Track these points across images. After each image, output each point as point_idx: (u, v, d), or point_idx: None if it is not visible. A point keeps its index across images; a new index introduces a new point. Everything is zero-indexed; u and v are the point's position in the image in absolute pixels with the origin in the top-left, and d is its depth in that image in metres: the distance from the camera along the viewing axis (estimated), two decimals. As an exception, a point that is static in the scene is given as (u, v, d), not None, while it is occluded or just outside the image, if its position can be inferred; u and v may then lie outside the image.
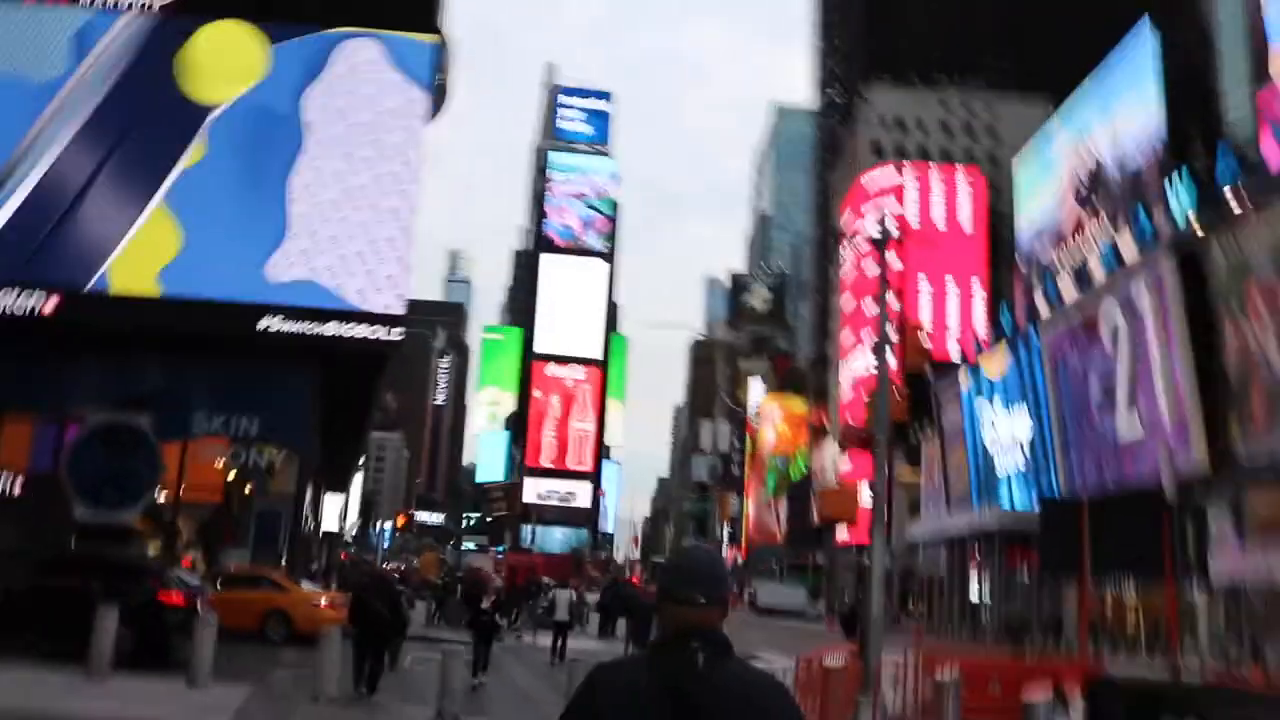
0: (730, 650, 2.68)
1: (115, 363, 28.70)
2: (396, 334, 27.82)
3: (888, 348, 12.81)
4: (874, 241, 12.56)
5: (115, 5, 30.29)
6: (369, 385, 33.96)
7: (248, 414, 28.61)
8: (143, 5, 30.34)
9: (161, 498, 30.40)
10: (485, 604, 17.64)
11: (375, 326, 28.08)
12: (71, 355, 28.57)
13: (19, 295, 27.50)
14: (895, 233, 12.73)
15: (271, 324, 27.54)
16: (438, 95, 39.36)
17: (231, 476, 31.17)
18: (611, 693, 2.61)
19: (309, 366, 29.14)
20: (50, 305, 27.68)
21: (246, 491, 31.57)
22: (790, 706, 2.70)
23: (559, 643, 24.62)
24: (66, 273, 28.35)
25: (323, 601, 21.63)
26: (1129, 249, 43.61)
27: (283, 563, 29.11)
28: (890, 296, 14.18)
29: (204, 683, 12.91)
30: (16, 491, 27.97)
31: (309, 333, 27.50)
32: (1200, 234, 37.23)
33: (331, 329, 27.73)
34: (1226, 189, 35.72)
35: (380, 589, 15.16)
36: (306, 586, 24.29)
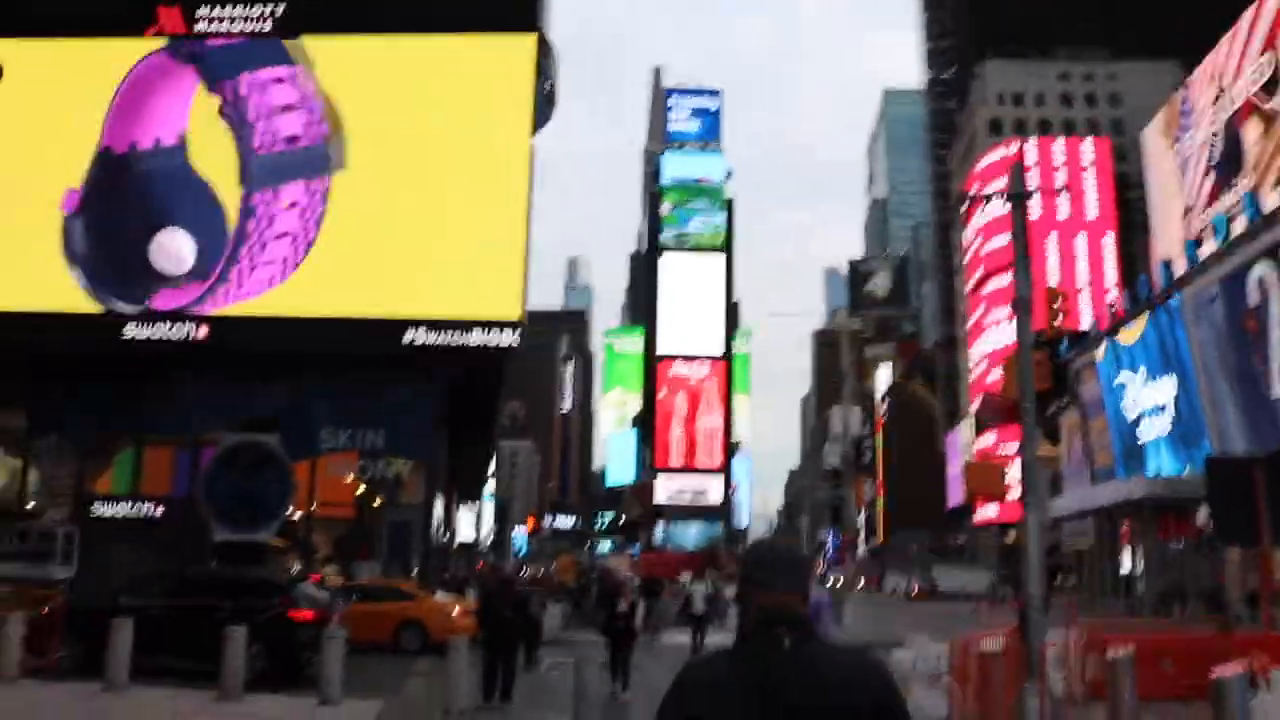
0: (815, 632, 2.68)
1: (243, 386, 29.24)
2: (514, 338, 27.63)
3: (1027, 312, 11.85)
4: (1010, 196, 11.63)
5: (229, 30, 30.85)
6: (492, 392, 33.94)
7: (373, 428, 28.85)
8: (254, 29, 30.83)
9: (296, 515, 30.82)
10: (622, 606, 15.94)
11: (494, 332, 27.94)
12: (201, 381, 29.18)
13: (172, 327, 28.40)
14: (1029, 187, 11.88)
15: (416, 336, 27.72)
16: (545, 101, 39.28)
17: (361, 490, 31.44)
18: (701, 687, 2.63)
19: (431, 377, 29.23)
20: (202, 332, 28.44)
21: (376, 504, 31.80)
22: (881, 681, 2.65)
23: (698, 638, 24.08)
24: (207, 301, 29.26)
25: (456, 610, 21.39)
26: (1272, 193, 41.28)
27: (413, 573, 29.18)
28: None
29: (335, 699, 12.65)
30: (157, 515, 28.59)
31: (452, 344, 27.72)
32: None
33: (470, 338, 27.83)
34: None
35: (504, 592, 14.78)
36: (440, 596, 24.19)
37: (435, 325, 27.90)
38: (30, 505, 30.72)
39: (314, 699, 12.85)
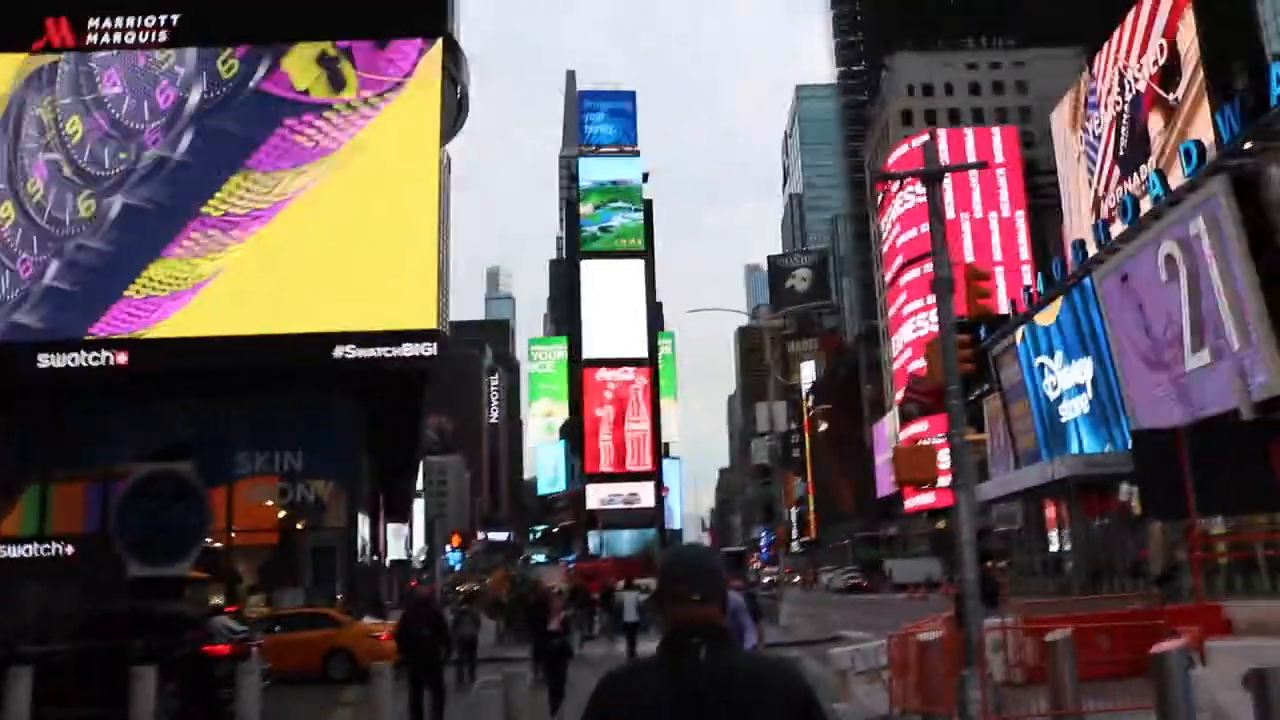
0: (732, 641, 2.70)
1: (153, 414, 28.25)
2: (432, 349, 27.03)
3: (946, 290, 11.65)
4: (924, 175, 11.44)
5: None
6: (413, 406, 33.23)
7: (291, 450, 28.03)
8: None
9: (218, 545, 29.86)
10: (553, 624, 14.54)
11: (410, 344, 27.30)
12: (105, 412, 28.12)
13: (90, 354, 27.16)
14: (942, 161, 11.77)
15: (346, 351, 26.87)
16: (457, 108, 38.64)
17: (282, 515, 30.55)
18: (620, 698, 2.65)
19: (349, 395, 28.51)
20: (122, 357, 27.28)
21: (299, 528, 30.93)
22: (797, 685, 2.66)
23: (633, 647, 23.72)
24: (124, 324, 28.00)
25: (384, 634, 20.77)
26: (1177, 179, 42.06)
27: (338, 598, 28.41)
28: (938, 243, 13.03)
29: (252, 736, 12.05)
30: (68, 553, 27.46)
31: (385, 356, 26.89)
32: (1254, 154, 35.88)
33: (400, 350, 27.07)
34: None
35: (422, 612, 14.25)
36: (368, 620, 23.49)
37: (364, 339, 27.13)
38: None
39: (231, 738, 12.24)
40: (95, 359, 27.30)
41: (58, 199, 29.06)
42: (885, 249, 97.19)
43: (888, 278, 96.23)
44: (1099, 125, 57.14)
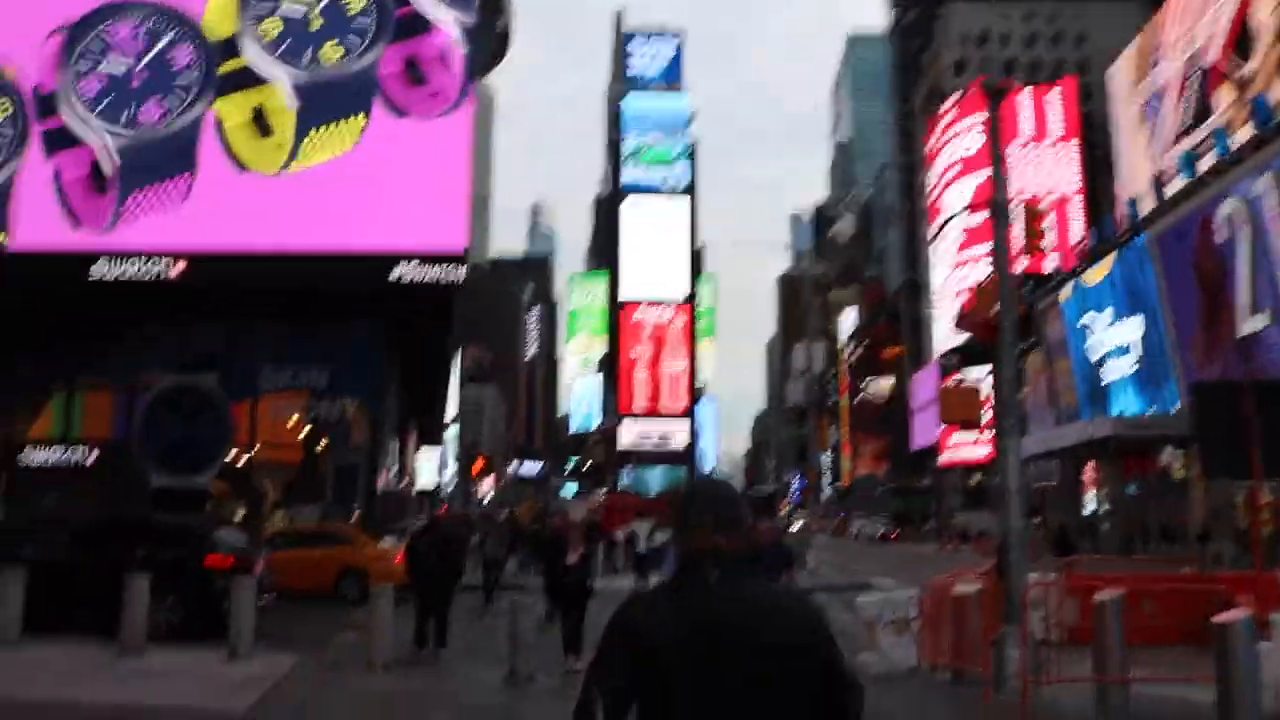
0: (746, 570, 2.72)
1: (181, 326, 27.83)
2: (458, 273, 26.33)
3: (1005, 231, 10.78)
4: (987, 91, 10.53)
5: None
6: (442, 330, 32.68)
7: (316, 367, 27.54)
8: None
9: (242, 459, 29.62)
10: (570, 558, 12.76)
11: (438, 266, 26.60)
12: (136, 323, 27.72)
13: (146, 262, 26.52)
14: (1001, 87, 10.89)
15: (405, 272, 26.09)
16: (499, 39, 37.67)
17: (306, 432, 30.18)
18: (633, 624, 2.68)
19: (375, 315, 27.94)
20: (177, 270, 26.64)
21: (320, 448, 30.56)
22: (808, 614, 2.69)
23: (645, 580, 23.24)
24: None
25: (398, 556, 20.33)
26: (1243, 137, 40.50)
27: (353, 517, 28.07)
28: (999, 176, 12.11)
29: (246, 653, 11.56)
30: (89, 462, 27.26)
31: (442, 279, 26.06)
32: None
33: (457, 273, 26.21)
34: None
35: (429, 535, 13.70)
36: (386, 542, 23.10)
37: (425, 259, 26.29)
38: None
39: (224, 653, 11.77)
40: (149, 270, 26.72)
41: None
42: (931, 200, 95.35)
43: (932, 230, 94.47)
44: (1161, 81, 55.13)
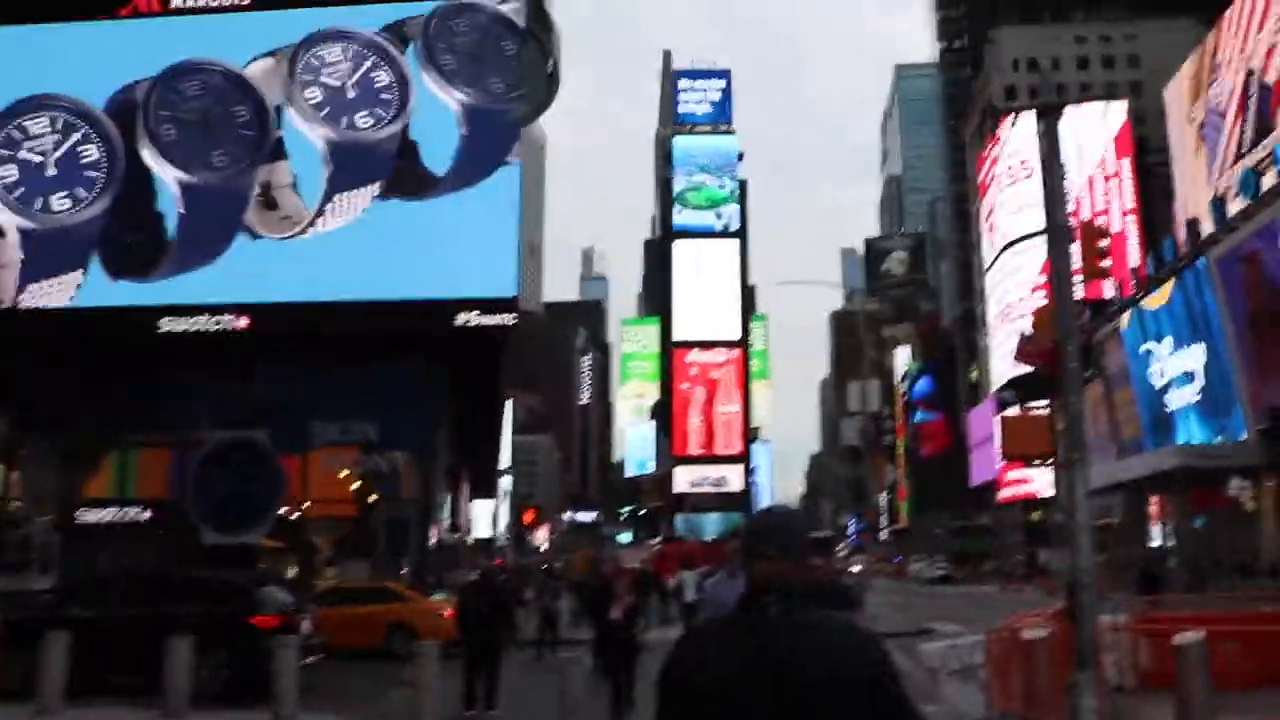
0: (808, 601, 2.63)
1: (234, 382, 27.94)
2: (509, 318, 26.26)
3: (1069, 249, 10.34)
4: (1042, 110, 10.15)
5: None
6: (493, 380, 32.56)
7: (366, 420, 27.48)
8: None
9: (294, 515, 29.59)
10: (615, 613, 11.55)
11: (489, 314, 26.60)
12: (189, 379, 27.88)
13: (210, 318, 27.08)
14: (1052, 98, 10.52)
15: (470, 318, 26.39)
16: (548, 81, 37.86)
17: (356, 486, 30.09)
18: (693, 656, 2.64)
19: (426, 364, 27.87)
20: (243, 322, 27.12)
21: (371, 500, 30.43)
22: (870, 647, 2.59)
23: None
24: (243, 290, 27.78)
25: (449, 611, 20.02)
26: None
27: (402, 572, 27.84)
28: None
29: (290, 715, 11.25)
30: (144, 519, 27.36)
31: (502, 324, 26.37)
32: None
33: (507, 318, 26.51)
34: None
35: (481, 588, 13.35)
36: (437, 597, 22.81)
37: (487, 307, 26.54)
38: (13, 510, 29.44)
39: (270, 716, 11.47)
40: (217, 323, 27.15)
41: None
42: (984, 229, 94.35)
43: (987, 259, 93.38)
44: (1221, 97, 54.12)
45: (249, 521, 25.47)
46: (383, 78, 28.51)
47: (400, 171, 27.88)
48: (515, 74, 28.57)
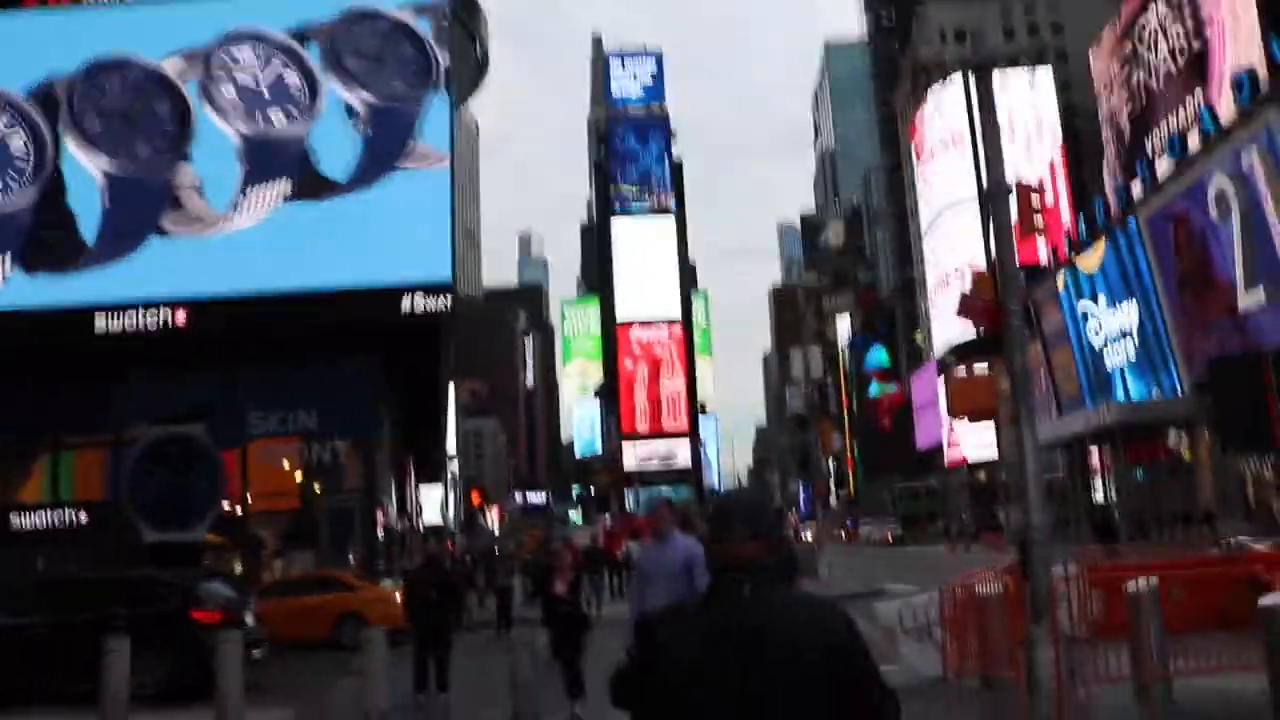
0: (777, 579, 2.69)
1: (167, 379, 27.31)
2: (446, 302, 25.90)
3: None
4: (975, 66, 10.05)
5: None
6: (434, 365, 32.15)
7: (305, 409, 26.99)
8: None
9: (238, 509, 29.03)
10: (558, 587, 11.28)
11: (428, 297, 26.22)
12: (120, 376, 27.21)
13: (145, 313, 26.30)
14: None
15: (415, 303, 25.99)
16: (476, 67, 37.33)
17: (300, 477, 29.54)
18: (664, 638, 2.66)
19: (363, 352, 27.40)
20: (181, 317, 26.39)
21: (317, 491, 29.91)
22: (839, 626, 2.62)
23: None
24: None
25: (399, 597, 19.70)
26: (1227, 110, 40.10)
27: (351, 561, 27.43)
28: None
29: (234, 712, 10.92)
30: (82, 521, 26.66)
31: (435, 310, 25.94)
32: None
33: (421, 303, 26.09)
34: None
35: (427, 572, 13.10)
36: (385, 585, 22.46)
37: (424, 292, 26.11)
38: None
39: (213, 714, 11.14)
40: (155, 321, 26.42)
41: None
42: (919, 195, 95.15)
43: (923, 224, 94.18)
44: (1145, 59, 54.77)
45: (189, 518, 24.91)
46: (293, 78, 28.26)
47: (309, 169, 27.55)
48: (416, 77, 28.36)
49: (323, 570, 24.45)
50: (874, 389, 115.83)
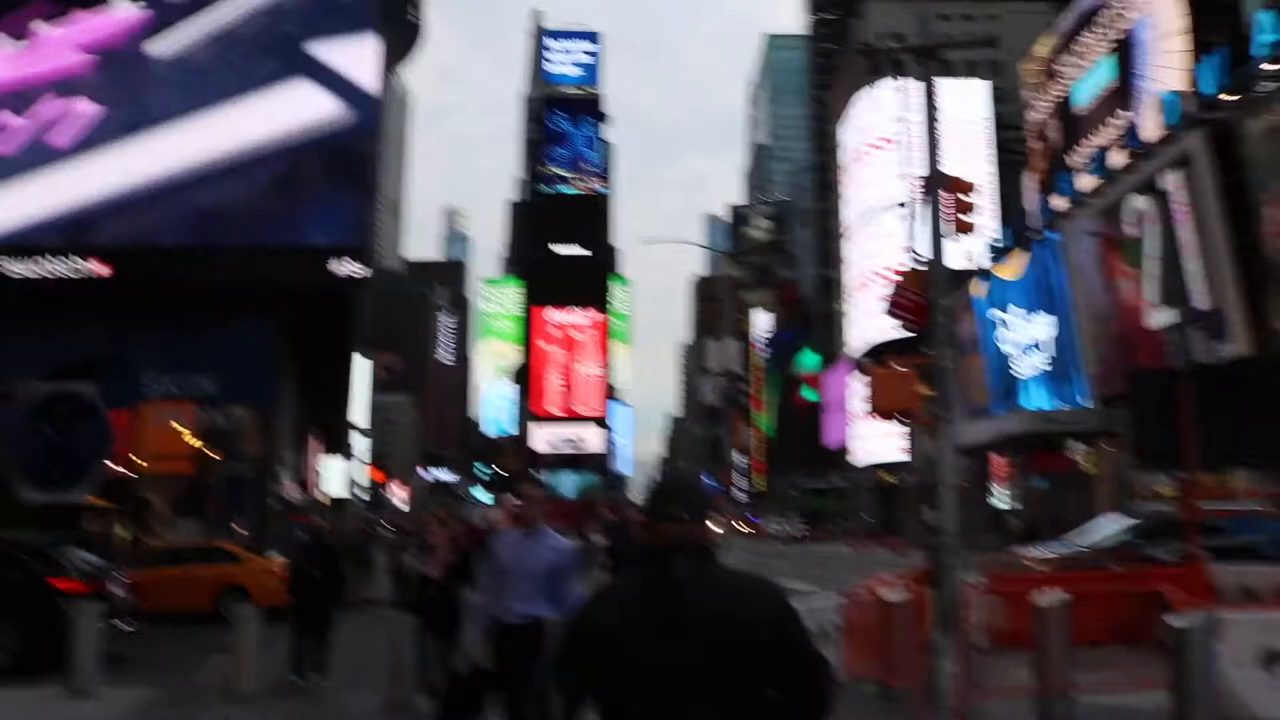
0: (712, 558, 2.74)
1: (57, 332, 26.08)
2: (360, 269, 25.09)
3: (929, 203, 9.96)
4: (917, 50, 9.73)
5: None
6: (343, 334, 31.25)
7: (203, 372, 25.96)
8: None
9: (128, 473, 27.83)
10: (432, 570, 9.81)
11: (339, 262, 25.39)
12: (6, 326, 25.91)
13: (71, 261, 24.99)
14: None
15: (342, 267, 25.00)
16: (411, 31, 36.41)
17: (194, 442, 28.42)
18: (600, 617, 2.71)
19: (269, 316, 26.46)
20: (105, 268, 25.12)
21: (213, 457, 28.82)
22: (774, 600, 2.70)
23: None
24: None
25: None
26: (1151, 130, 40.73)
27: (241, 532, 26.50)
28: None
29: (91, 689, 10.19)
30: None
31: (363, 275, 25.00)
32: (1233, 107, 34.43)
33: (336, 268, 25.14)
34: (1264, 57, 32.74)
35: (312, 549, 12.44)
36: (273, 557, 21.60)
37: (355, 253, 25.23)
38: None
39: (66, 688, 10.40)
40: (76, 270, 25.19)
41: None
42: (844, 197, 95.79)
43: (847, 224, 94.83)
44: (1071, 76, 55.54)
45: (73, 478, 23.72)
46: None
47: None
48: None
49: (208, 540, 23.46)
50: (808, 394, 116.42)
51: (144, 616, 14.84)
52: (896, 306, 9.39)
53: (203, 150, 26.57)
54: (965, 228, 10.43)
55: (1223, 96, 34.97)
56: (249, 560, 19.93)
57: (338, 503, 66.57)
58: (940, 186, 9.29)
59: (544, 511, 6.84)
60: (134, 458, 27.25)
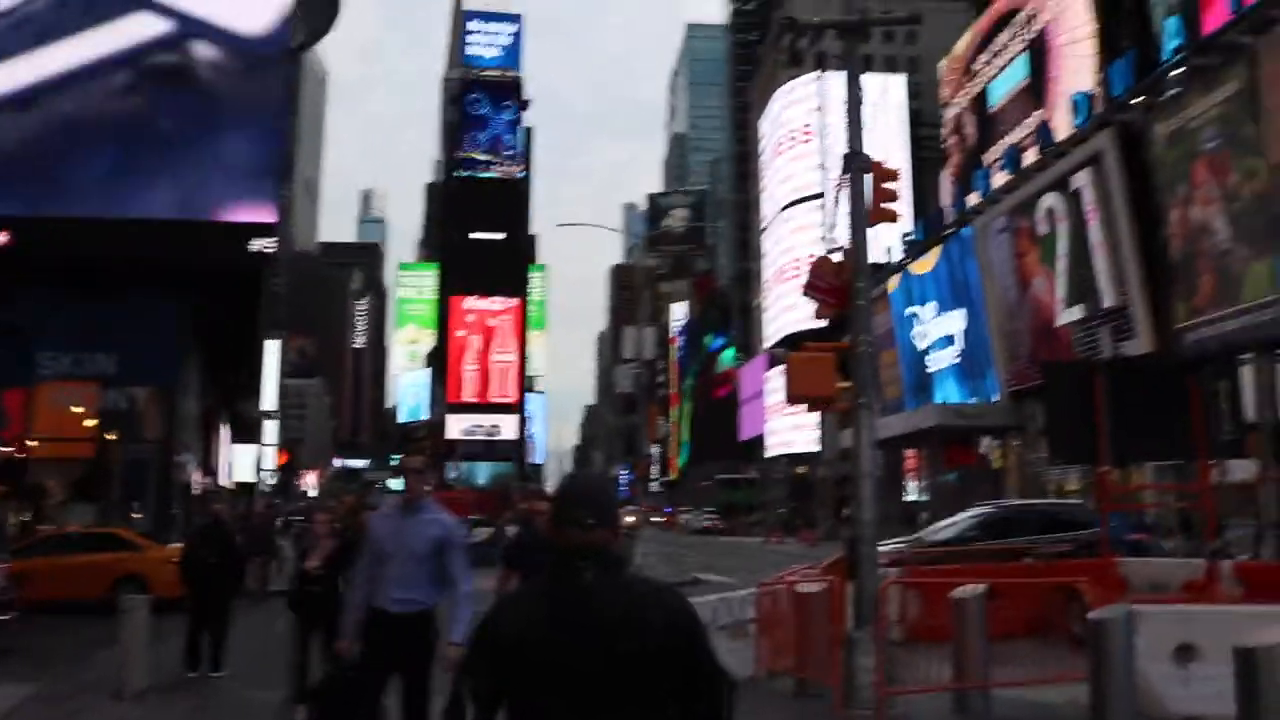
0: (622, 566, 2.76)
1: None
2: (269, 244, 24.34)
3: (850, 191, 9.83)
4: (845, 25, 9.57)
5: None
6: (251, 314, 30.39)
7: (103, 351, 25.00)
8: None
9: (20, 454, 26.77)
10: (312, 561, 9.29)
11: (248, 238, 24.62)
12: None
13: None
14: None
15: (262, 245, 24.07)
16: (328, 4, 35.57)
17: (93, 423, 27.36)
18: (512, 622, 2.68)
19: (171, 295, 25.54)
20: (3, 237, 23.86)
21: (112, 440, 27.78)
22: (679, 609, 2.72)
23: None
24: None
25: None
26: (1064, 130, 41.44)
27: (137, 517, 25.64)
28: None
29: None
30: None
31: (255, 252, 24.12)
32: (1141, 109, 35.14)
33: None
34: (1171, 62, 33.45)
35: (208, 535, 11.93)
36: (176, 545, 20.86)
37: (270, 230, 24.37)
38: None
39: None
40: None
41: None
42: (762, 188, 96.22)
43: (764, 217, 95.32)
44: (988, 75, 56.33)
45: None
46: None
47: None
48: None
49: (103, 526, 22.55)
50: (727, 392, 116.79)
51: (31, 606, 14.20)
52: (813, 289, 9.21)
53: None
54: (888, 216, 10.30)
55: (1132, 102, 35.66)
56: (148, 548, 19.19)
57: (245, 488, 65.13)
58: (862, 168, 9.14)
59: (426, 485, 6.35)
60: (27, 440, 26.23)
